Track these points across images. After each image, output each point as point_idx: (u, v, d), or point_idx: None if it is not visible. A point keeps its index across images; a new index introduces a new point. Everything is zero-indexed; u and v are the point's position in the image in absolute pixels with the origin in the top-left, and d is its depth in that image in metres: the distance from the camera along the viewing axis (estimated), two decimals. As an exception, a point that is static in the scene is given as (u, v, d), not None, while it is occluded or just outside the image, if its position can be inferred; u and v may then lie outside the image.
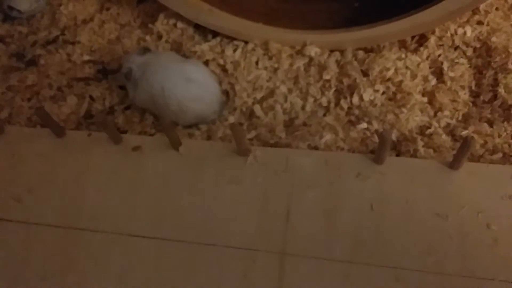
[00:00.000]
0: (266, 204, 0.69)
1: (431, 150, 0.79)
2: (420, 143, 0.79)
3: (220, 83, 0.92)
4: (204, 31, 0.99)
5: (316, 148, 0.80)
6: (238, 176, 0.71)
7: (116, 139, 0.77)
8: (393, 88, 0.88)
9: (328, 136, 0.81)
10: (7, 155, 0.79)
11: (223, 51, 0.94)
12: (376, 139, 0.82)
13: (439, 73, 0.90)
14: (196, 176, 0.73)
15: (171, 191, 0.72)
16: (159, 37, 0.98)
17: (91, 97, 0.92)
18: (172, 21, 0.98)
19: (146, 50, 0.87)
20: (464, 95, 0.87)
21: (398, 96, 0.87)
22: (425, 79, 0.89)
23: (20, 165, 0.78)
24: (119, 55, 0.97)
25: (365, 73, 0.89)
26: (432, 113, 0.86)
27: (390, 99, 0.88)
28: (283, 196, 0.69)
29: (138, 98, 0.86)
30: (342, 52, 0.92)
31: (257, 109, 0.89)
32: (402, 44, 0.93)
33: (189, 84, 0.83)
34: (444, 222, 0.64)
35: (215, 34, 0.98)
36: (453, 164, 0.68)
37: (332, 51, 0.93)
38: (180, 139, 0.76)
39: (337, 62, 0.92)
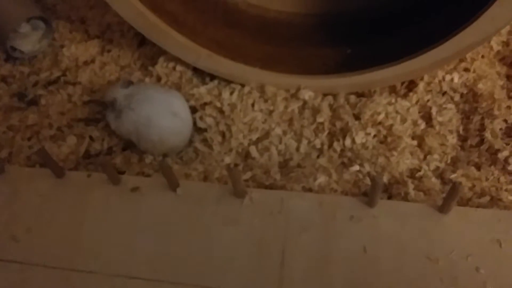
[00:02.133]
0: (262, 245, 0.70)
1: (421, 193, 0.81)
2: (411, 186, 0.82)
3: (217, 124, 0.95)
4: (202, 74, 1.02)
5: (310, 190, 0.82)
6: (235, 218, 0.73)
7: (115, 180, 0.79)
8: (384, 132, 0.91)
9: (322, 178, 0.83)
10: (7, 194, 0.81)
11: (220, 93, 0.97)
12: (368, 181, 0.85)
13: (428, 118, 0.93)
14: (194, 217, 0.74)
15: (169, 232, 0.73)
16: (158, 79, 1.01)
17: (90, 138, 0.94)
18: (171, 64, 1.01)
19: (130, 82, 0.91)
20: (452, 139, 0.90)
21: (389, 139, 0.90)
22: (415, 123, 0.92)
23: (19, 205, 0.79)
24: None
25: (357, 117, 0.93)
26: (421, 156, 0.89)
27: (381, 142, 0.91)
28: (279, 238, 0.71)
29: (123, 127, 0.89)
30: (334, 96, 0.96)
31: (253, 150, 0.92)
32: (392, 89, 0.96)
33: (174, 118, 0.88)
34: (435, 266, 0.66)
35: (212, 77, 1.01)
36: (443, 208, 0.70)
37: (325, 95, 0.96)
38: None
39: (330, 105, 0.95)
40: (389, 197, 0.83)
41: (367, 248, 0.68)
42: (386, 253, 0.68)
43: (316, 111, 0.94)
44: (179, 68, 1.01)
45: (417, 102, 0.95)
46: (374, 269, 0.67)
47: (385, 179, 0.84)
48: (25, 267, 0.73)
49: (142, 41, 1.10)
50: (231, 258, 0.70)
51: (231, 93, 0.97)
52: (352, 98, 0.95)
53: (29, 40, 1.08)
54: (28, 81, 1.06)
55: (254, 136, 0.93)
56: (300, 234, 0.71)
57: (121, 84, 0.89)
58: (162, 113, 0.86)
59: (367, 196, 0.80)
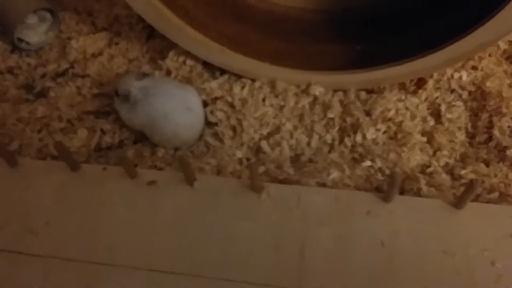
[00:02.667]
0: (281, 240, 0.71)
1: (433, 189, 0.83)
2: (423, 182, 0.83)
3: (228, 118, 0.95)
4: (212, 68, 1.02)
5: (324, 185, 0.83)
6: (252, 212, 0.74)
7: (132, 174, 0.79)
8: (394, 128, 0.92)
9: (335, 174, 0.84)
10: (22, 187, 0.80)
11: (231, 88, 0.97)
12: (380, 176, 0.86)
13: (436, 115, 0.95)
14: (212, 211, 0.75)
15: (187, 226, 0.74)
16: (168, 73, 1.01)
17: (101, 131, 0.94)
18: (181, 58, 1.01)
19: (144, 75, 0.91)
20: (461, 136, 0.92)
21: (399, 135, 0.91)
22: (424, 120, 0.94)
23: (35, 198, 0.79)
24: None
25: (367, 113, 0.94)
26: (431, 152, 0.90)
27: (391, 138, 0.92)
28: (297, 232, 0.71)
29: (136, 119, 0.89)
30: (345, 92, 0.97)
31: (264, 144, 0.92)
32: (402, 86, 0.98)
33: (188, 113, 0.89)
34: (452, 260, 0.68)
35: (222, 71, 1.01)
36: (458, 204, 0.72)
37: (335, 91, 0.97)
38: (193, 174, 0.79)
39: (341, 101, 0.96)
40: (401, 193, 0.84)
41: (384, 243, 0.70)
42: (404, 248, 0.69)
43: (326, 106, 0.95)
44: (189, 62, 1.01)
45: (426, 99, 0.96)
46: (392, 263, 0.68)
47: (397, 174, 0.85)
48: (45, 260, 0.73)
49: (150, 34, 1.09)
50: (250, 253, 0.71)
51: (242, 88, 0.98)
52: (363, 94, 0.96)
53: (36, 31, 1.07)
54: (36, 72, 1.05)
55: (265, 131, 0.94)
56: (319, 228, 0.72)
57: (135, 76, 0.88)
58: (178, 107, 0.87)
59: (380, 191, 0.82)
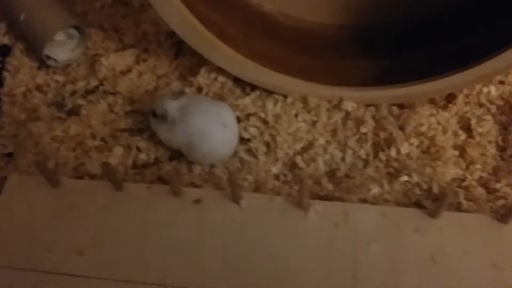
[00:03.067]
0: (332, 258, 0.72)
1: (471, 203, 0.84)
2: (462, 196, 0.85)
3: (261, 134, 0.96)
4: (242, 84, 1.03)
5: (365, 200, 0.84)
6: (301, 230, 0.75)
7: (177, 192, 0.79)
8: (426, 142, 0.93)
9: (375, 189, 0.85)
10: (66, 208, 0.80)
11: (264, 104, 0.98)
12: (417, 191, 0.87)
13: (467, 129, 0.96)
14: (260, 230, 0.75)
15: (236, 244, 0.74)
16: (199, 89, 1.02)
17: (137, 148, 0.94)
18: (213, 75, 1.02)
19: (180, 93, 0.91)
20: (492, 150, 0.93)
21: (432, 149, 0.93)
22: (455, 134, 0.95)
23: (80, 219, 0.79)
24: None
25: (400, 128, 0.95)
26: (464, 166, 0.92)
27: (423, 152, 0.93)
28: (348, 250, 0.72)
29: (175, 138, 0.89)
30: (376, 107, 0.98)
31: (299, 160, 0.93)
32: (432, 101, 0.99)
33: (224, 129, 0.90)
34: (501, 274, 0.69)
35: (252, 87, 1.02)
36: (503, 219, 0.73)
37: (367, 106, 0.98)
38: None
39: (373, 116, 0.97)
40: (439, 207, 0.85)
41: (436, 259, 0.71)
42: (454, 263, 0.71)
43: (359, 121, 0.96)
44: (220, 78, 1.02)
45: (456, 113, 0.98)
46: (444, 279, 0.70)
47: (435, 189, 0.87)
48: (93, 282, 0.73)
49: (179, 51, 1.10)
50: (302, 271, 0.71)
51: (275, 104, 0.99)
52: (395, 109, 0.97)
53: (64, 48, 1.07)
54: (65, 90, 1.05)
55: (299, 146, 0.95)
56: (369, 245, 0.72)
57: (171, 96, 0.89)
58: (214, 125, 0.88)
59: (419, 206, 0.84)
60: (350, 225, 0.75)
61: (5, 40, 1.15)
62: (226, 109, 0.91)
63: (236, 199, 0.78)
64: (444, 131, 0.95)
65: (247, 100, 0.98)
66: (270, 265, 0.72)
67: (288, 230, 0.75)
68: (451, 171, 0.90)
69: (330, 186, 0.88)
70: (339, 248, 0.73)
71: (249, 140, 0.96)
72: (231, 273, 0.72)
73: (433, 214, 0.75)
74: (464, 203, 0.83)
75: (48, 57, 1.07)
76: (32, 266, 0.74)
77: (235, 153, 0.94)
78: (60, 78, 1.08)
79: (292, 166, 0.94)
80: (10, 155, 0.98)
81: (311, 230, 0.74)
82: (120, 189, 0.81)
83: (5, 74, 1.08)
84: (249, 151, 0.95)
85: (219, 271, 0.72)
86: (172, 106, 0.86)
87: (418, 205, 0.85)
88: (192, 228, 0.76)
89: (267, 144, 0.96)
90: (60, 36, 1.05)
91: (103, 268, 0.74)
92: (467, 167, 0.92)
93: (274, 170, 0.92)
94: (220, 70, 1.01)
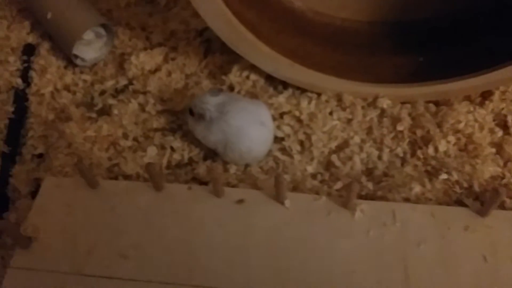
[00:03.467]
0: (382, 257, 0.71)
1: (512, 200, 0.83)
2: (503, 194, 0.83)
3: (295, 133, 0.95)
4: (274, 82, 1.02)
5: (408, 199, 0.83)
6: (349, 230, 0.73)
7: (220, 193, 0.78)
8: (463, 140, 0.92)
9: (417, 188, 0.84)
10: (106, 209, 0.79)
11: (298, 103, 0.97)
12: (458, 189, 0.86)
13: (503, 126, 0.95)
14: (307, 230, 0.74)
15: (283, 245, 0.73)
16: (231, 88, 1.00)
17: (171, 148, 0.93)
18: (245, 73, 1.00)
19: (219, 90, 0.90)
20: (529, 147, 0.92)
21: (470, 147, 0.92)
22: (492, 131, 0.94)
23: (121, 220, 0.77)
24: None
25: (438, 125, 0.94)
26: (501, 163, 0.91)
27: (461, 150, 0.92)
28: (397, 249, 0.71)
29: (212, 136, 0.88)
30: (412, 104, 0.97)
31: (335, 159, 0.92)
32: (468, 97, 0.98)
33: (262, 128, 0.88)
34: (553, 271, 0.68)
35: (284, 85, 1.01)
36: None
37: (403, 103, 0.97)
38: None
39: (409, 114, 0.96)
40: (482, 204, 0.84)
41: (487, 258, 0.70)
42: (505, 261, 0.70)
43: (395, 119, 0.95)
44: (252, 77, 1.01)
45: (492, 110, 0.96)
46: (497, 277, 0.69)
47: (476, 187, 0.86)
48: (138, 284, 0.71)
49: (208, 49, 1.08)
50: (352, 271, 0.70)
51: (309, 102, 0.97)
52: (431, 106, 0.96)
53: (92, 47, 1.06)
54: (94, 89, 1.04)
55: (334, 145, 0.94)
56: (419, 245, 0.71)
57: (211, 92, 0.87)
58: (252, 123, 0.86)
59: (460, 205, 0.83)
60: (398, 225, 0.73)
61: (30, 39, 1.13)
62: (263, 107, 0.90)
63: (281, 199, 0.76)
64: (481, 128, 0.94)
65: (281, 98, 0.97)
66: (318, 266, 0.71)
67: (336, 230, 0.74)
68: (489, 169, 0.89)
69: (370, 185, 0.86)
70: (388, 248, 0.71)
71: (283, 139, 0.95)
72: (278, 274, 0.71)
73: (481, 213, 0.74)
74: (508, 201, 0.82)
75: (76, 56, 1.05)
76: (74, 269, 0.73)
77: (269, 152, 0.93)
78: (88, 78, 1.06)
79: (328, 165, 0.92)
80: (40, 156, 0.96)
81: (359, 230, 0.73)
82: (161, 190, 0.79)
83: (32, 73, 1.06)
84: (283, 150, 0.94)
85: (265, 272, 0.71)
86: (211, 104, 0.85)
87: (459, 203, 0.84)
88: (236, 229, 0.75)
89: (301, 143, 0.94)
90: (88, 35, 1.04)
91: (148, 271, 0.72)
92: (505, 164, 0.91)
93: (310, 169, 0.91)
94: (253, 68, 1.00)
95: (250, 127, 0.86)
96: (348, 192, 0.72)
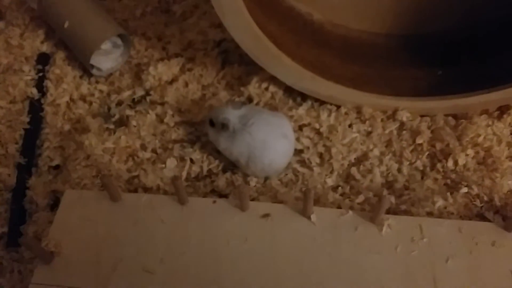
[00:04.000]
0: (411, 273, 0.70)
1: (535, 214, 0.83)
2: (525, 208, 0.84)
3: (315, 145, 0.95)
4: (293, 94, 1.01)
5: (431, 214, 0.83)
6: (376, 246, 0.73)
7: (245, 206, 0.77)
8: (482, 153, 0.92)
9: (440, 202, 0.84)
10: (129, 223, 0.78)
11: (318, 115, 0.97)
12: (478, 203, 0.86)
13: (520, 139, 0.96)
14: (333, 245, 0.74)
15: (310, 261, 0.72)
16: (249, 99, 1.00)
17: (191, 160, 0.92)
18: (264, 85, 1.00)
19: (242, 104, 0.90)
20: (546, 161, 0.93)
21: (489, 160, 0.92)
22: (510, 145, 0.94)
23: (146, 234, 0.76)
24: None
25: (457, 138, 0.94)
26: (520, 177, 0.91)
27: (479, 164, 0.92)
28: (426, 265, 0.71)
29: (235, 149, 0.87)
30: (432, 117, 0.97)
31: (355, 171, 0.91)
32: (485, 111, 0.98)
33: (284, 140, 0.88)
34: None
35: (303, 97, 1.00)
36: None
37: (422, 116, 0.97)
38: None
39: (428, 127, 0.96)
40: (504, 219, 0.84)
41: (515, 273, 0.70)
42: (535, 278, 0.69)
43: (415, 132, 0.95)
44: (271, 89, 1.01)
45: (509, 124, 0.97)
46: (526, 295, 0.68)
47: (496, 201, 0.86)
48: (165, 300, 0.70)
49: (225, 60, 1.08)
50: (382, 286, 0.70)
51: (329, 115, 0.97)
52: (450, 119, 0.96)
53: (109, 57, 1.05)
54: (110, 100, 1.03)
55: (353, 158, 0.94)
56: (447, 261, 0.71)
57: (233, 105, 0.87)
58: (276, 135, 0.86)
59: (482, 219, 0.83)
60: (426, 240, 0.73)
61: (44, 48, 1.12)
62: (285, 120, 0.90)
63: (307, 214, 0.76)
64: (499, 141, 0.94)
65: (301, 110, 0.97)
66: (347, 282, 0.71)
67: (364, 246, 0.73)
68: (508, 182, 0.89)
69: (391, 199, 0.86)
70: (417, 264, 0.71)
71: (302, 151, 0.94)
72: (306, 290, 0.70)
73: (507, 228, 0.73)
74: (530, 215, 0.82)
75: (92, 66, 1.04)
76: (99, 286, 0.72)
77: (288, 165, 0.93)
78: (104, 88, 1.05)
79: (348, 177, 0.92)
80: (56, 167, 0.95)
81: (387, 246, 0.73)
82: (185, 203, 0.79)
83: (47, 83, 1.05)
84: (303, 162, 0.94)
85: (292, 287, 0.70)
86: (233, 116, 0.84)
87: (480, 217, 0.84)
88: (262, 243, 0.75)
89: (321, 155, 0.94)
90: (106, 45, 1.03)
91: (175, 286, 0.71)
92: (524, 178, 0.91)
93: (330, 182, 0.91)
94: (272, 80, 0.99)
95: (274, 141, 0.86)
96: (378, 207, 0.72)
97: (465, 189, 0.88)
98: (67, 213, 0.80)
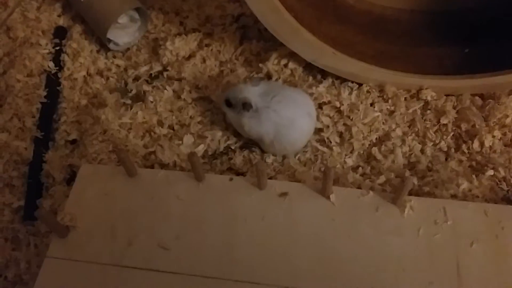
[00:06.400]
0: (433, 256, 0.68)
1: None
2: (554, 193, 0.80)
3: (335, 124, 0.92)
4: (312, 71, 0.98)
5: (455, 196, 0.80)
6: (398, 227, 0.71)
7: (262, 185, 0.75)
8: (510, 135, 0.89)
9: (465, 184, 0.81)
10: (146, 199, 0.76)
11: (339, 93, 0.94)
12: (505, 187, 0.83)
13: (547, 121, 0.92)
14: (354, 226, 0.72)
15: (329, 241, 0.71)
16: (268, 76, 0.97)
17: (207, 137, 0.90)
18: (283, 62, 0.97)
19: (261, 79, 0.87)
20: None
21: (517, 142, 0.88)
22: (538, 126, 0.91)
23: (161, 210, 0.75)
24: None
25: (483, 119, 0.90)
26: (548, 160, 0.87)
27: (506, 145, 0.89)
28: (450, 249, 0.68)
29: (261, 127, 0.84)
30: (458, 97, 0.93)
31: (376, 152, 0.89)
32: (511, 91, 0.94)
33: (309, 119, 0.86)
34: None
35: (323, 74, 0.98)
36: None
37: (447, 95, 0.94)
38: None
39: (454, 107, 0.92)
40: (532, 202, 0.81)
41: (543, 259, 0.67)
42: None
43: (439, 112, 0.92)
44: (291, 65, 0.98)
45: (537, 104, 0.93)
46: (554, 281, 0.65)
47: (525, 184, 0.83)
48: (179, 278, 0.69)
49: (243, 36, 1.05)
50: (402, 270, 0.68)
51: (350, 93, 0.94)
52: (477, 99, 0.93)
53: (126, 31, 1.03)
54: (127, 75, 1.01)
55: (374, 137, 0.91)
56: (472, 245, 0.68)
57: (252, 82, 0.84)
58: (302, 114, 0.84)
59: (508, 202, 0.80)
60: (450, 223, 0.71)
61: (61, 22, 1.11)
62: (308, 97, 0.87)
63: (327, 194, 0.74)
64: (527, 122, 0.90)
65: (321, 88, 0.94)
66: (366, 263, 0.69)
67: (384, 227, 0.71)
68: (537, 166, 0.86)
69: (414, 180, 0.83)
70: (440, 247, 0.69)
71: (321, 130, 0.92)
72: (323, 271, 0.68)
73: (536, 212, 0.70)
74: (560, 199, 0.79)
75: (109, 40, 1.02)
76: (114, 261, 0.71)
77: (307, 143, 0.90)
78: (121, 62, 1.04)
79: (368, 158, 0.90)
80: (73, 141, 0.94)
81: (409, 228, 0.71)
82: (201, 180, 0.77)
83: (64, 57, 1.04)
84: (322, 141, 0.91)
85: (310, 268, 0.69)
86: (253, 94, 0.82)
87: (506, 200, 0.81)
88: (280, 223, 0.73)
89: (341, 135, 0.92)
90: (123, 19, 1.01)
91: (189, 264, 0.70)
92: (552, 161, 0.87)
93: (350, 162, 0.89)
94: (292, 57, 0.97)
95: (301, 119, 0.84)
96: (400, 188, 0.69)
97: (491, 172, 0.85)
98: (83, 187, 0.79)
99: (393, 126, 0.91)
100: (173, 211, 0.75)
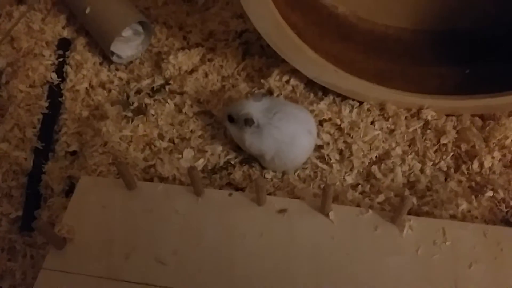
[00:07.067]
0: (431, 276, 0.68)
1: (562, 220, 0.80)
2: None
3: (335, 141, 0.92)
4: (314, 88, 0.99)
5: (454, 217, 0.80)
6: (397, 247, 0.70)
7: (262, 201, 0.75)
8: (509, 156, 0.89)
9: (464, 205, 0.81)
10: (144, 212, 0.76)
11: (339, 110, 0.94)
12: (504, 208, 0.83)
13: (546, 143, 0.92)
14: (352, 244, 0.71)
15: (329, 260, 0.70)
16: (270, 92, 0.98)
17: (207, 151, 0.90)
18: (285, 78, 0.98)
19: (263, 95, 0.87)
20: None
21: (516, 163, 0.88)
22: (537, 148, 0.91)
23: (160, 224, 0.75)
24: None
25: (483, 139, 0.91)
26: (547, 181, 0.87)
27: (505, 167, 0.89)
28: (448, 268, 0.68)
29: (262, 143, 0.84)
30: (458, 117, 0.93)
31: (376, 170, 0.89)
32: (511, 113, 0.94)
33: (310, 137, 0.86)
34: None
35: (324, 92, 0.98)
36: None
37: (448, 115, 0.94)
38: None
39: (454, 127, 0.93)
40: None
41: (542, 282, 0.66)
42: (562, 288, 0.66)
43: (439, 132, 0.92)
44: (292, 82, 0.98)
45: (535, 125, 0.93)
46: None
47: (524, 206, 0.83)
48: (177, 293, 0.69)
49: (246, 51, 1.06)
50: (401, 289, 0.67)
51: (351, 110, 0.95)
52: (477, 120, 0.93)
53: (129, 45, 1.04)
54: (129, 88, 1.01)
55: (374, 156, 0.91)
56: (471, 266, 0.68)
57: (254, 97, 0.84)
58: (302, 131, 0.84)
59: (506, 224, 0.79)
60: (449, 244, 0.70)
61: (65, 33, 1.12)
62: (309, 114, 0.87)
63: (326, 211, 0.74)
64: (527, 145, 0.90)
65: (322, 105, 0.94)
66: (364, 283, 0.68)
67: (383, 246, 0.71)
68: (535, 187, 0.86)
69: (413, 200, 0.83)
70: (438, 268, 0.68)
71: (321, 146, 0.92)
72: (321, 288, 0.68)
73: (535, 234, 0.70)
74: (560, 224, 0.79)
75: (112, 53, 1.03)
76: (110, 274, 0.71)
77: (306, 160, 0.90)
78: (124, 75, 1.04)
79: (368, 176, 0.90)
80: (73, 153, 0.94)
81: (408, 248, 0.70)
82: (200, 195, 0.77)
83: (67, 68, 1.05)
84: (322, 158, 0.91)
85: (308, 285, 0.68)
86: (256, 110, 0.82)
87: (505, 222, 0.81)
88: (278, 239, 0.73)
89: (341, 152, 0.92)
90: (126, 32, 1.01)
91: (186, 279, 0.70)
92: (551, 184, 0.87)
93: (349, 179, 0.89)
94: (293, 73, 0.97)
95: (301, 136, 0.84)
96: (399, 208, 0.69)
97: (490, 193, 0.85)
98: (82, 199, 0.79)
99: (393, 145, 0.91)
100: (171, 225, 0.75)
